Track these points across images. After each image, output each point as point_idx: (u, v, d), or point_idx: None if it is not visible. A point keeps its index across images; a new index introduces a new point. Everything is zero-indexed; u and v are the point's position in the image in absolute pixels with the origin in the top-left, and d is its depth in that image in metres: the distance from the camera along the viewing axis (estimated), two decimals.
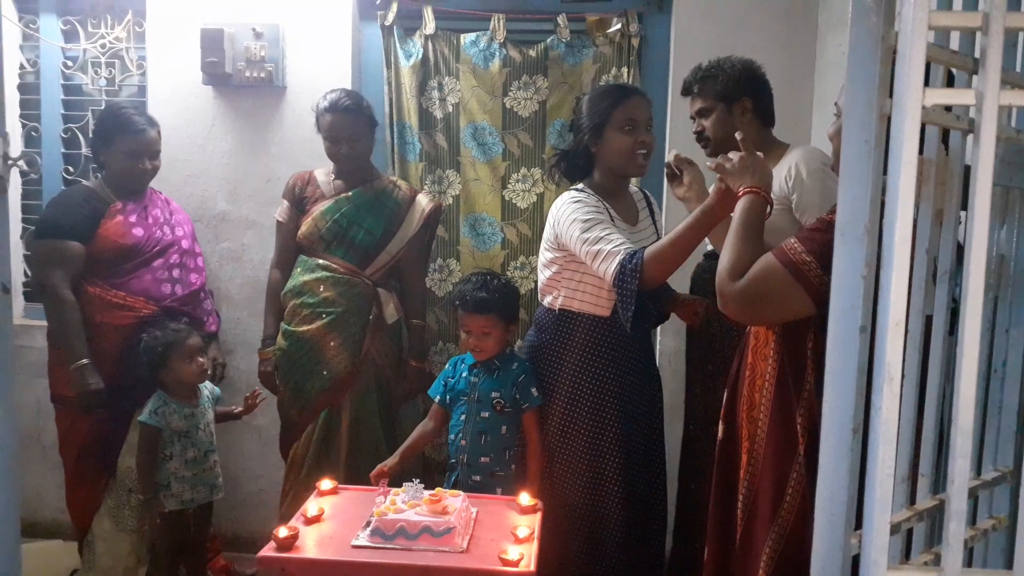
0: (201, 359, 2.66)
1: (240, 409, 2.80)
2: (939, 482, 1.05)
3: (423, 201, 2.88)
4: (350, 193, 2.80)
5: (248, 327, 3.23)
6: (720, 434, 1.83)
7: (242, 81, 3.08)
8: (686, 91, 2.40)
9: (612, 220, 2.27)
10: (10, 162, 1.37)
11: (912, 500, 1.03)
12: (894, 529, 0.89)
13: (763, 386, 1.66)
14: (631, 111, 2.30)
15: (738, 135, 1.82)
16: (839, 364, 0.87)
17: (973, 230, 0.81)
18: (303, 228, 2.79)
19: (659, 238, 2.35)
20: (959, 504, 0.82)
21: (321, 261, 2.76)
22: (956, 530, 0.83)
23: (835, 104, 1.69)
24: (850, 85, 0.90)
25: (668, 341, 3.08)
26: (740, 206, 1.70)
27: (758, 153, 1.81)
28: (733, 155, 1.80)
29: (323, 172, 2.89)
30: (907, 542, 1.02)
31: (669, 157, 2.27)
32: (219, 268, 3.20)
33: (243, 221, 3.21)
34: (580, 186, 2.34)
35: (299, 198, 2.86)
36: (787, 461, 1.59)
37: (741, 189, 1.73)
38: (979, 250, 0.80)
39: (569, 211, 2.23)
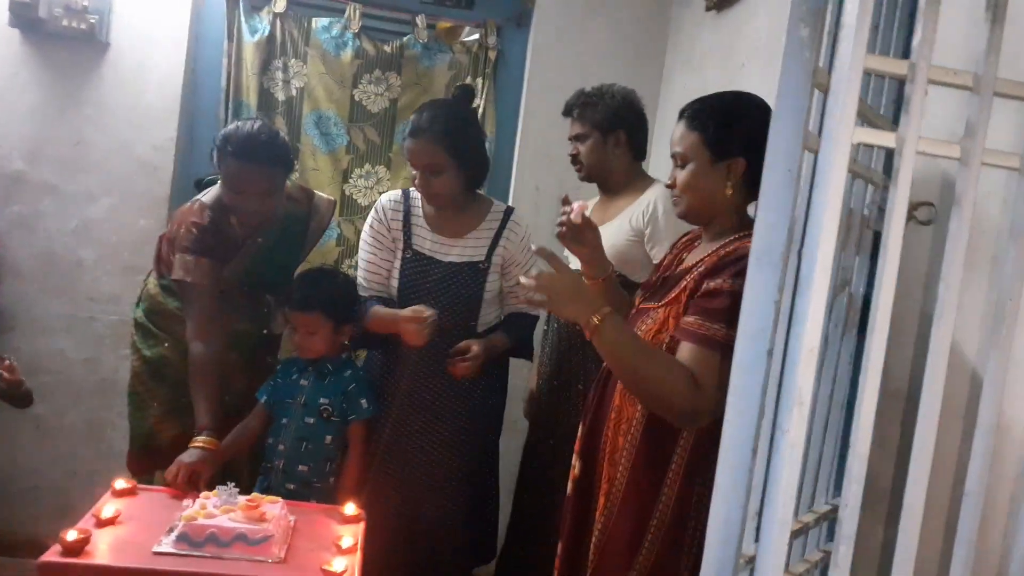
0: None
1: (8, 377, 2.35)
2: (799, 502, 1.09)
3: (322, 205, 2.55)
4: (259, 241, 2.42)
5: (35, 302, 2.87)
6: (576, 471, 1.78)
7: (58, 29, 2.75)
8: (566, 112, 2.42)
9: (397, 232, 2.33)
10: None
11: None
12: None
13: (628, 431, 1.62)
14: (409, 155, 2.25)
15: (532, 249, 1.72)
16: (743, 385, 0.88)
17: (885, 266, 0.85)
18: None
19: (483, 257, 2.32)
20: (850, 528, 0.85)
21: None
22: (845, 553, 0.86)
23: (673, 156, 1.65)
24: (777, 115, 0.91)
25: None
26: (610, 338, 1.54)
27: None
28: (547, 280, 1.60)
29: (216, 205, 2.35)
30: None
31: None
32: (6, 235, 2.82)
33: (42, 185, 2.86)
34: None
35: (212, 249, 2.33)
36: (647, 508, 1.56)
37: (591, 327, 1.55)
38: (888, 285, 0.84)
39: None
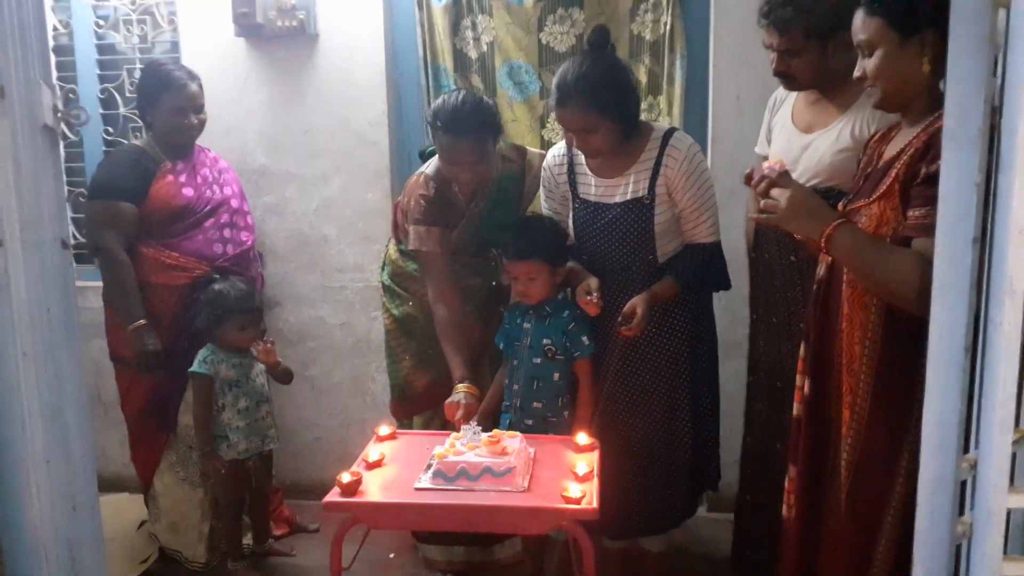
0: (253, 332, 2.70)
1: (262, 358, 2.75)
2: None
3: (535, 161, 2.60)
4: (480, 205, 2.55)
5: (295, 280, 3.25)
6: (806, 390, 1.75)
7: (274, 31, 3.03)
8: (774, 23, 2.11)
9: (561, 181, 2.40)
10: (59, 113, 1.37)
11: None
12: None
13: (864, 337, 1.57)
14: (560, 121, 2.28)
15: (771, 166, 1.64)
16: (949, 278, 0.82)
17: None
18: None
19: (646, 191, 2.26)
20: None
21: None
22: None
23: (858, 45, 1.56)
24: None
25: None
26: (847, 246, 1.53)
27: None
28: (778, 194, 1.59)
29: (437, 175, 2.52)
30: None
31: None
32: (262, 222, 3.19)
33: (283, 174, 3.20)
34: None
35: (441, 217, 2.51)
36: (902, 413, 1.52)
37: (823, 238, 1.55)
38: None
39: None
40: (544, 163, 2.45)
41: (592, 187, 2.33)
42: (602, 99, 2.13)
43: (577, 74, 2.15)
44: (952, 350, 0.83)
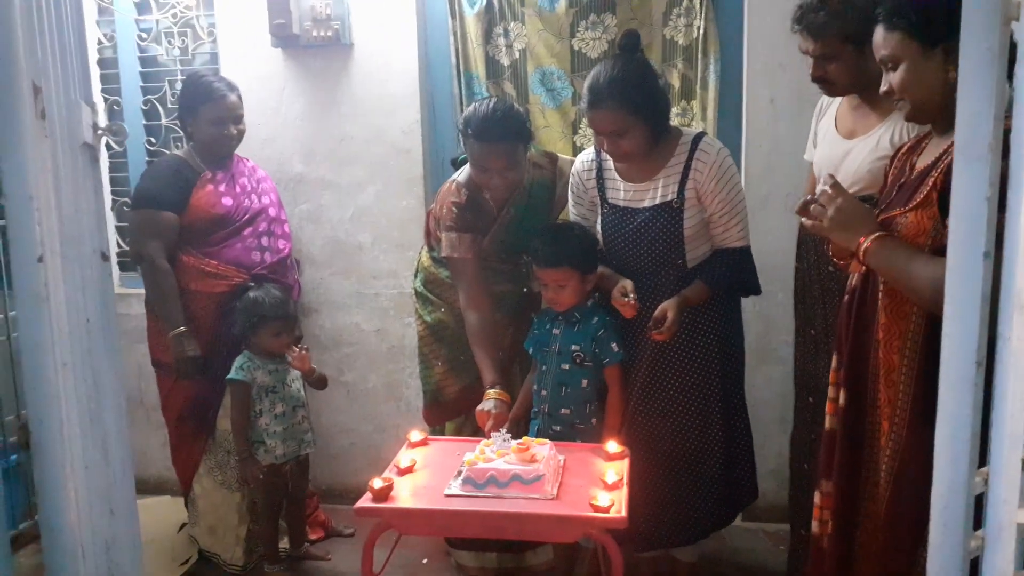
0: (288, 338, 2.75)
1: (297, 365, 2.78)
2: None
3: (566, 168, 2.59)
4: (512, 212, 2.57)
5: (330, 287, 3.29)
6: (842, 401, 1.72)
7: (310, 41, 3.08)
8: (808, 29, 2.11)
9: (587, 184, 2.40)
10: (99, 131, 1.41)
11: None
12: None
13: (904, 347, 1.54)
14: (591, 124, 2.25)
15: (827, 182, 1.62)
16: (961, 293, 0.82)
17: None
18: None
19: (675, 195, 2.25)
20: None
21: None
22: None
23: (881, 61, 1.55)
24: None
25: None
26: (885, 257, 1.51)
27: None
28: (827, 201, 1.58)
29: (469, 183, 2.56)
30: None
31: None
32: (299, 230, 3.25)
33: (320, 182, 3.25)
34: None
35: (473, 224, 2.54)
36: None
37: (860, 250, 1.54)
38: None
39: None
40: (572, 168, 2.46)
41: (621, 191, 2.33)
42: (634, 101, 2.14)
43: (609, 76, 2.16)
44: (964, 364, 0.82)
